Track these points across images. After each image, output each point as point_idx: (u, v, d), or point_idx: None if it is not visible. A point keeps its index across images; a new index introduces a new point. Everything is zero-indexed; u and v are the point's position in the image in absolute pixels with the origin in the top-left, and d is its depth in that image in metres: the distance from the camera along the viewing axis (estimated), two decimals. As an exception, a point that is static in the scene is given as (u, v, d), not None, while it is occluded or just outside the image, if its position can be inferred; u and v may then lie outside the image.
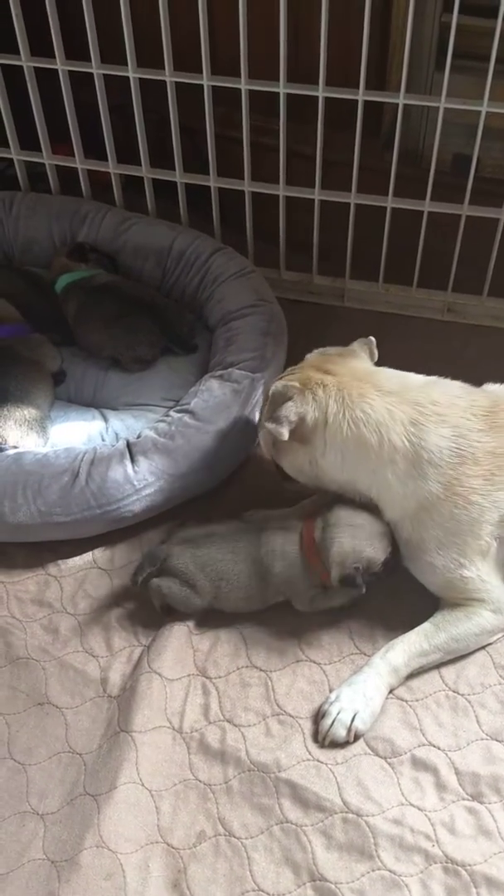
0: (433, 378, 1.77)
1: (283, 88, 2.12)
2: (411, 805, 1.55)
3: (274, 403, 1.71)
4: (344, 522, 1.70)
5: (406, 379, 1.75)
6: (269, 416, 1.70)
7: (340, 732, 1.60)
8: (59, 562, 1.93)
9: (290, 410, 1.67)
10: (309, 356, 1.83)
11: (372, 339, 1.84)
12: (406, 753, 1.60)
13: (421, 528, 1.68)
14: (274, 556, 1.72)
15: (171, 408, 2.10)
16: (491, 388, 1.80)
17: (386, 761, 1.59)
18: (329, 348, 1.85)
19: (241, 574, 1.73)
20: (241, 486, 2.05)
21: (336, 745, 1.61)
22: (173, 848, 1.54)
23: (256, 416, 2.00)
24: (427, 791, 1.56)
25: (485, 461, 1.64)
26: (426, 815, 1.54)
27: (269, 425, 1.68)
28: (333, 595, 1.75)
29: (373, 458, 1.67)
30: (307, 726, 1.65)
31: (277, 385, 1.73)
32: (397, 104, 2.10)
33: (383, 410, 1.66)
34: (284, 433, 1.66)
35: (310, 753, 1.61)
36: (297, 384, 1.70)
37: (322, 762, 1.60)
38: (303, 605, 1.76)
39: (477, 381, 1.82)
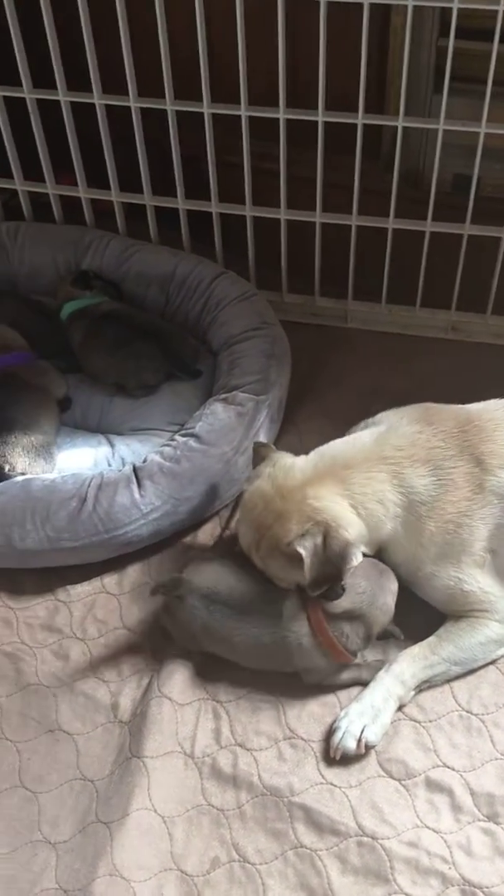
0: (378, 426, 1.77)
1: (282, 114, 2.14)
2: (427, 827, 1.53)
3: (333, 555, 1.60)
4: (356, 606, 1.65)
5: (358, 442, 1.73)
6: (325, 571, 1.60)
7: (350, 744, 1.59)
8: (68, 587, 1.93)
9: (349, 543, 1.61)
10: (247, 500, 1.72)
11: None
12: (420, 775, 1.58)
13: (419, 561, 1.70)
14: (291, 650, 1.67)
15: (176, 432, 2.11)
16: (475, 405, 1.80)
17: (400, 783, 1.58)
18: (255, 470, 1.76)
19: (250, 652, 1.69)
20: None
21: (347, 758, 1.60)
22: (187, 875, 1.52)
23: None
24: (442, 813, 1.54)
25: (463, 483, 1.67)
26: (442, 837, 1.52)
27: (352, 563, 1.61)
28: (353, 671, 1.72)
29: (387, 523, 1.68)
30: (319, 750, 1.63)
31: (296, 542, 1.60)
32: (396, 126, 2.12)
33: (368, 481, 1.66)
34: (360, 555, 1.64)
35: (323, 777, 1.60)
36: (313, 524, 1.61)
37: (336, 785, 1.59)
38: (314, 682, 1.71)
39: (480, 398, 1.82)
